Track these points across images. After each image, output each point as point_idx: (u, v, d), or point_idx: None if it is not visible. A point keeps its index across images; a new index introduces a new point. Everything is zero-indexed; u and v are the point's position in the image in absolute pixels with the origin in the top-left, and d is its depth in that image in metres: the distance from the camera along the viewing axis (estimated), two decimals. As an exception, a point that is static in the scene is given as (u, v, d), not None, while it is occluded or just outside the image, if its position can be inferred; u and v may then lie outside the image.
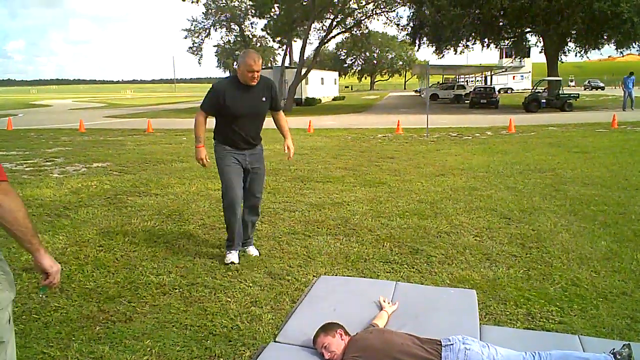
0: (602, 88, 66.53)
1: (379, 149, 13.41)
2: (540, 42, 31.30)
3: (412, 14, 33.74)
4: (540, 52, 31.72)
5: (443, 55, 33.34)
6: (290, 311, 3.70)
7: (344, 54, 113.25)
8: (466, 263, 4.80)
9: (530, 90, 36.59)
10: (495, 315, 3.76)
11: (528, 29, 31.61)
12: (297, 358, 3.09)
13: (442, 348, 2.92)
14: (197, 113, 4.66)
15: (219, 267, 4.58)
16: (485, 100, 33.16)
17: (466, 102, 41.00)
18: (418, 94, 64.97)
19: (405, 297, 3.85)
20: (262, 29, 42.88)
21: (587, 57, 32.62)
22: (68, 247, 5.19)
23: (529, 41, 34.35)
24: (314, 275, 4.43)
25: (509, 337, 3.22)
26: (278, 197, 7.50)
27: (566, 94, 29.28)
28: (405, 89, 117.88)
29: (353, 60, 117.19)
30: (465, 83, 54.37)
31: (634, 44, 27.84)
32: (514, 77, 68.17)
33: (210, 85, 4.83)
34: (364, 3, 34.37)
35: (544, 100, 28.00)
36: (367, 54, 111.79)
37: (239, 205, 4.73)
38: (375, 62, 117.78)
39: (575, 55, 31.88)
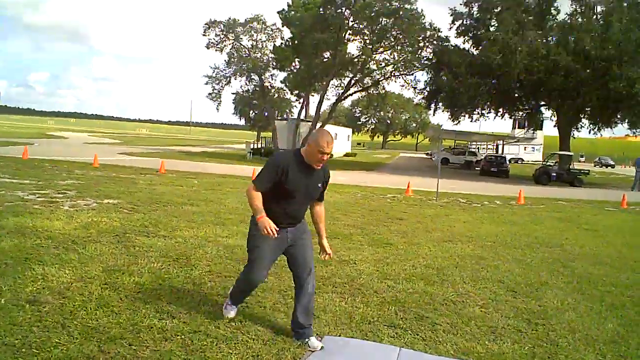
0: (612, 166, 66.81)
1: (388, 209, 13.43)
2: (554, 116, 31.73)
3: (429, 78, 34.43)
4: (554, 126, 32.14)
5: (459, 121, 33.83)
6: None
7: (358, 111, 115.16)
8: (471, 334, 4.75)
9: (541, 163, 36.92)
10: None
11: (543, 103, 32.11)
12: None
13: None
14: (250, 188, 4.03)
15: (222, 317, 4.55)
16: (496, 169, 33.35)
17: (476, 169, 41.25)
18: (429, 157, 65.46)
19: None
20: (281, 82, 43.66)
21: (600, 134, 32.99)
22: (73, 282, 5.19)
23: (543, 114, 34.81)
24: (317, 334, 4.39)
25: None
26: (285, 250, 7.49)
27: (577, 169, 29.50)
28: (416, 150, 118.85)
29: (367, 119, 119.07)
30: (477, 150, 54.87)
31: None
32: (525, 148, 68.74)
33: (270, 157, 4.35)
34: (383, 65, 35.13)
35: (555, 174, 28.16)
36: (382, 113, 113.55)
37: (258, 285, 4.47)
38: (388, 121, 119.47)
39: (589, 132, 32.31)
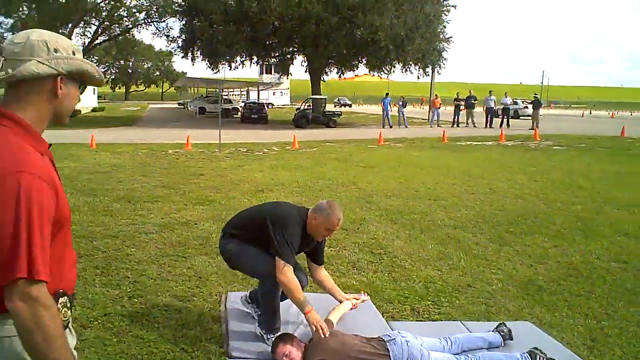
0: (350, 105, 74.17)
1: (182, 165, 13.44)
2: (305, 61, 33.97)
3: (183, 26, 33.68)
4: (305, 71, 34.41)
5: (219, 70, 34.01)
6: (224, 330, 3.96)
7: (95, 61, 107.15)
8: (339, 272, 5.47)
9: (293, 106, 39.43)
10: (390, 313, 4.50)
11: (295, 49, 34.08)
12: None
13: (387, 343, 3.52)
14: (285, 270, 3.52)
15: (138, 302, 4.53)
16: (256, 115, 34.56)
17: (234, 116, 42.20)
18: (182, 107, 64.68)
19: (314, 305, 4.36)
20: (7, 30, 38.31)
21: (344, 77, 36.64)
22: None
23: (294, 60, 36.86)
24: (216, 294, 4.68)
25: (414, 329, 3.89)
26: (118, 219, 7.31)
27: (331, 111, 32.39)
28: (162, 100, 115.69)
29: (106, 68, 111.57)
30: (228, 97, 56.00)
31: (385, 67, 32.06)
32: (274, 93, 72.14)
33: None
34: (135, 11, 33.41)
35: (311, 117, 30.49)
36: (122, 62, 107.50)
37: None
38: (130, 71, 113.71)
39: (340, 77, 35.47)
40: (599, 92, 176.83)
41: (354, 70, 34.80)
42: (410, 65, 31.84)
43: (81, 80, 1.66)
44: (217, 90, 58.76)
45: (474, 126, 29.27)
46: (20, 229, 1.40)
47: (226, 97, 53.92)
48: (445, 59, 32.47)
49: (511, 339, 3.83)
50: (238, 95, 63.33)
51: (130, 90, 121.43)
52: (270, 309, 3.79)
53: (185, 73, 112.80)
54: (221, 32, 29.20)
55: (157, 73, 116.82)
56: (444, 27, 32.14)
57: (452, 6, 32.58)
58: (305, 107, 32.32)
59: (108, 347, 3.68)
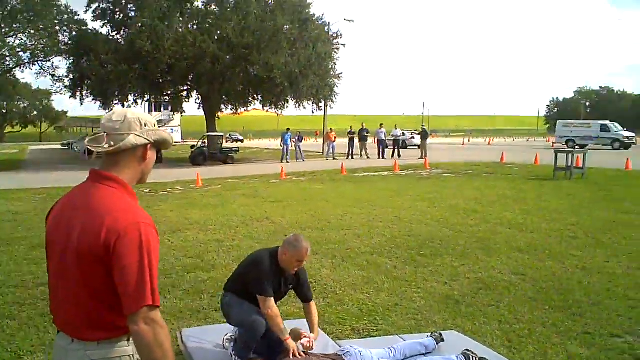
0: (242, 141, 74.36)
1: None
2: (199, 99, 34.07)
3: (70, 65, 32.66)
4: (198, 108, 34.51)
5: (111, 109, 33.08)
6: (189, 361, 4.25)
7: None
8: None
9: (185, 144, 39.00)
10: (334, 334, 4.98)
11: (190, 87, 34.10)
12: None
13: (343, 356, 4.02)
14: (268, 304, 4.03)
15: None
16: (149, 154, 33.89)
17: (126, 155, 41.09)
18: (67, 148, 61.80)
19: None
20: None
21: (237, 113, 37.29)
22: None
23: (190, 97, 36.75)
24: (170, 330, 4.91)
25: (361, 345, 4.40)
26: (44, 267, 7.22)
27: (228, 147, 32.58)
28: (41, 140, 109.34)
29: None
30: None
31: (279, 103, 33.01)
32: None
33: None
34: (19, 50, 31.99)
35: (209, 154, 30.43)
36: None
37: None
38: (4, 111, 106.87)
39: (234, 113, 35.97)
40: (474, 121, 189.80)
41: (248, 107, 35.45)
42: (304, 100, 33.01)
43: (158, 146, 2.05)
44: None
45: (368, 157, 30.76)
46: (144, 267, 1.78)
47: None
48: (337, 93, 34.10)
49: (443, 340, 4.47)
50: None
51: (6, 132, 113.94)
52: (246, 348, 4.22)
53: (66, 112, 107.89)
54: (112, 72, 28.67)
55: (35, 112, 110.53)
56: (335, 64, 33.88)
57: (342, 44, 34.55)
58: (201, 144, 32.24)
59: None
